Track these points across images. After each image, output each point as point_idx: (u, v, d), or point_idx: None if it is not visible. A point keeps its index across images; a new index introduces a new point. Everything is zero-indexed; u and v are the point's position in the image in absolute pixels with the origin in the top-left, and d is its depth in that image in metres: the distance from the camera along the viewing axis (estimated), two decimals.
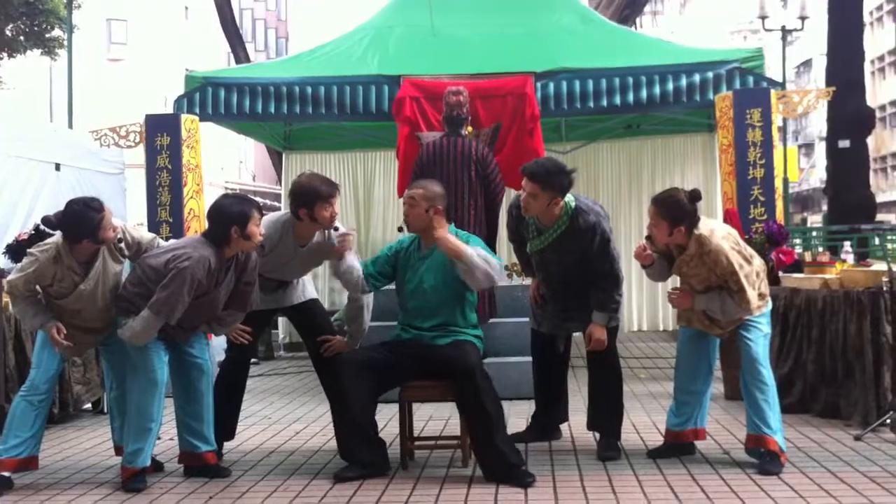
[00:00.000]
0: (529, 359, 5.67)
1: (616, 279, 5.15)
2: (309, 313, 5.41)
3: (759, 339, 4.87)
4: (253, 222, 4.76)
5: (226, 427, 5.31)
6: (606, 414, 5.32)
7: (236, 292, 4.93)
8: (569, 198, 5.06)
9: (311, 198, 5.04)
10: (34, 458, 4.92)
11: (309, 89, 8.18)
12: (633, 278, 11.02)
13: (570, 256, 5.11)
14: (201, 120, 8.20)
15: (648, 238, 4.93)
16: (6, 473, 4.82)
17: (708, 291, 4.84)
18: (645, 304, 11.23)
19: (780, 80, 15.86)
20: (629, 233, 10.75)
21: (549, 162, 5.15)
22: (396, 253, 5.10)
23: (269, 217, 5.14)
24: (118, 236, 4.83)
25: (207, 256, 4.70)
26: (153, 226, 7.67)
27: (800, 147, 46.77)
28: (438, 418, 6.26)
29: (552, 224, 5.08)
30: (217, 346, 9.42)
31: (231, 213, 4.74)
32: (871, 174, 17.12)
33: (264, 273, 5.16)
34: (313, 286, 5.61)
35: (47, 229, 4.94)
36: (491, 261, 4.84)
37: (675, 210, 4.72)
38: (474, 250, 4.81)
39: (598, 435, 5.37)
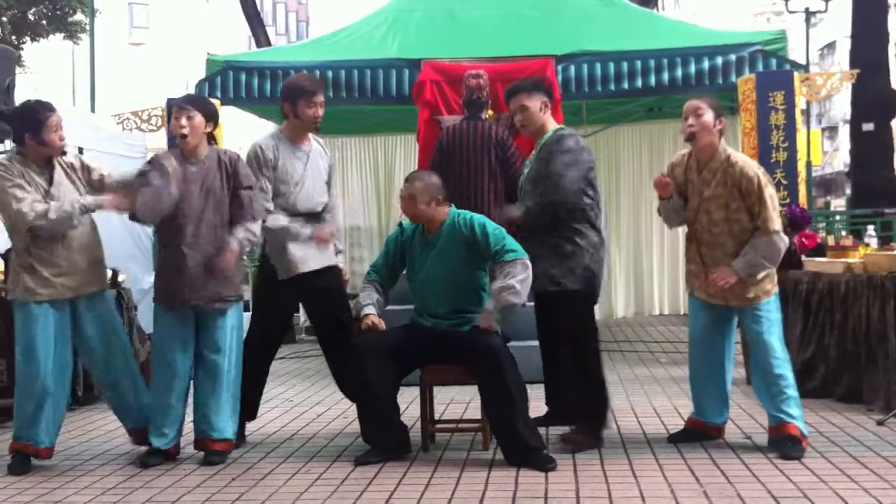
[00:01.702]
0: (530, 343, 5.59)
1: (553, 204, 4.87)
2: (327, 293, 5.31)
3: (772, 328, 4.83)
4: (173, 118, 4.93)
5: (247, 407, 5.30)
6: (579, 399, 5.01)
7: (239, 199, 4.94)
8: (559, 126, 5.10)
9: (295, 93, 5.12)
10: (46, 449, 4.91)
11: (329, 73, 8.19)
12: (655, 262, 11.01)
13: (542, 168, 4.98)
14: (222, 104, 8.19)
15: (671, 168, 4.97)
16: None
17: (726, 225, 4.75)
18: (666, 287, 11.20)
19: (803, 62, 15.73)
20: (649, 217, 10.71)
21: (525, 77, 5.25)
22: (401, 244, 5.09)
23: (261, 135, 5.32)
24: (66, 152, 4.88)
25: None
26: None
27: (823, 130, 46.41)
28: (459, 401, 6.28)
29: (541, 138, 5.07)
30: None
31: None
32: None
33: (295, 209, 5.17)
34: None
35: None
36: (517, 276, 4.74)
37: (717, 103, 4.84)
38: (496, 297, 4.76)
39: (615, 421, 5.32)
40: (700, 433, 5.06)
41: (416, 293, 5.09)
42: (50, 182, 4.85)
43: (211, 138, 5.06)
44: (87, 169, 5.02)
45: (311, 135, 5.35)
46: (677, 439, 5.07)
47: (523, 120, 5.07)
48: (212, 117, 5.01)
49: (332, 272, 5.37)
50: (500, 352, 4.74)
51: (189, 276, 4.85)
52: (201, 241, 4.88)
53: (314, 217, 5.26)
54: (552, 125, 5.11)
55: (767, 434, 4.92)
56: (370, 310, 4.95)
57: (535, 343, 5.41)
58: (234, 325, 5.03)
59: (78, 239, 4.90)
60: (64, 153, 4.92)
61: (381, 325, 4.90)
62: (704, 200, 4.84)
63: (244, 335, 5.15)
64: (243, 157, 5.15)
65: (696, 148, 4.85)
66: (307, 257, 5.20)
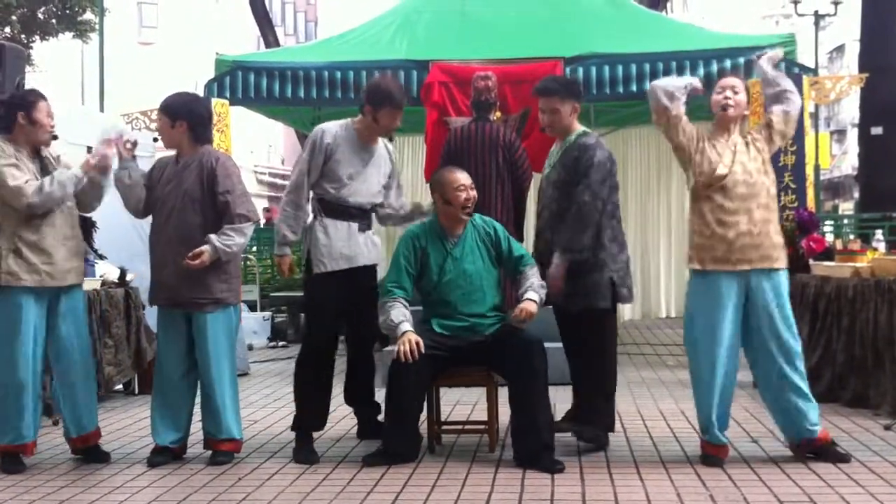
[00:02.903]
0: (555, 344, 5.60)
1: (587, 218, 4.84)
2: (363, 292, 5.17)
3: (788, 303, 4.73)
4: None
5: (314, 415, 5.19)
6: (593, 406, 5.05)
7: (217, 205, 4.89)
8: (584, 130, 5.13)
9: (382, 99, 5.04)
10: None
11: (338, 74, 8.21)
12: (662, 265, 11.00)
13: (563, 174, 5.01)
14: (231, 104, 8.24)
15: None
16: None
17: (760, 176, 4.68)
18: (674, 289, 11.19)
19: (812, 65, 15.71)
20: (656, 220, 10.70)
21: (556, 77, 5.27)
22: (421, 250, 4.99)
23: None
24: (56, 136, 4.94)
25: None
26: None
27: (832, 133, 46.37)
28: (466, 403, 6.28)
29: (566, 139, 5.09)
30: (247, 328, 9.50)
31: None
32: None
33: (345, 202, 5.06)
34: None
35: None
36: (540, 280, 4.95)
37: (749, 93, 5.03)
38: (537, 291, 4.88)
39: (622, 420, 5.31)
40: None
41: (445, 297, 4.97)
42: (41, 171, 4.87)
43: (200, 138, 5.00)
44: (65, 167, 5.05)
45: (381, 139, 5.30)
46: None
47: (552, 122, 5.07)
48: (178, 116, 4.94)
49: (373, 269, 5.25)
50: (536, 346, 4.80)
51: (164, 276, 4.89)
52: (175, 241, 4.87)
53: (363, 213, 5.18)
54: (577, 128, 5.11)
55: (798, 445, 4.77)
56: (408, 326, 4.79)
57: (554, 345, 5.44)
58: (219, 328, 4.95)
59: (63, 228, 4.89)
60: (54, 138, 4.94)
61: (423, 345, 4.72)
62: (738, 153, 4.70)
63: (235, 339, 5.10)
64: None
65: (725, 121, 4.76)
66: (351, 255, 5.07)
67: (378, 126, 5.12)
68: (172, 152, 5.10)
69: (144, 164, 8.45)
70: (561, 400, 5.64)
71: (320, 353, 5.13)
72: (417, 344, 4.70)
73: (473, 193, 5.01)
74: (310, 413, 5.12)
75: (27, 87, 6.24)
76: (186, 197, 4.89)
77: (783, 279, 4.74)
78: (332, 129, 5.14)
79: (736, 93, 4.76)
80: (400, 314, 4.84)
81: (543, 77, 7.58)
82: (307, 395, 5.12)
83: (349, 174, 5.08)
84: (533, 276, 4.95)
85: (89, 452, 5.03)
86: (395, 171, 5.44)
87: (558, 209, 5.01)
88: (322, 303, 5.10)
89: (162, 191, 4.95)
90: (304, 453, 4.98)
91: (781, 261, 4.73)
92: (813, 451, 4.71)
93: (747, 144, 4.76)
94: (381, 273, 5.29)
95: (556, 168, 5.08)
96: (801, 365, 4.72)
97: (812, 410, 4.70)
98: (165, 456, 4.93)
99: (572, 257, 4.87)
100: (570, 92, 5.12)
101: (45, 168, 4.91)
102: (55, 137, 4.95)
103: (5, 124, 4.87)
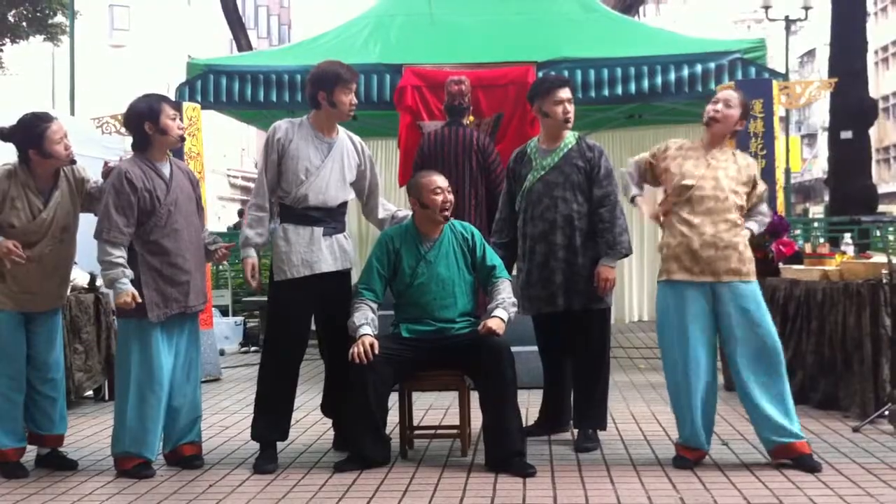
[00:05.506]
0: (529, 348, 5.63)
1: (619, 206, 5.21)
2: (334, 297, 5.00)
3: (766, 311, 4.72)
4: (165, 115, 4.78)
5: (279, 426, 5.05)
6: (599, 405, 5.25)
7: (200, 212, 5.06)
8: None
9: (332, 81, 4.91)
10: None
11: None
12: (634, 269, 11.04)
13: (574, 175, 5.20)
14: (203, 107, 8.20)
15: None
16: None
17: (733, 196, 4.70)
18: (645, 293, 11.24)
19: (783, 70, 15.81)
20: (629, 223, 10.69)
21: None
22: (394, 253, 4.99)
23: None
24: (75, 161, 4.84)
25: (129, 167, 4.76)
26: None
27: (802, 137, 46.74)
28: (438, 407, 6.28)
29: (561, 143, 5.30)
30: (219, 334, 9.45)
31: (139, 110, 4.80)
32: (874, 165, 17.11)
33: (305, 202, 4.90)
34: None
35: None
36: (511, 294, 4.99)
37: (748, 105, 4.91)
38: (507, 308, 4.90)
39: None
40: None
41: (416, 300, 4.96)
42: (47, 202, 4.79)
43: None
44: (84, 181, 4.98)
45: (345, 131, 5.12)
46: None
47: (571, 113, 5.32)
48: None
49: (345, 276, 5.09)
50: (505, 352, 4.79)
51: (197, 280, 4.88)
52: (196, 246, 4.91)
53: (329, 213, 4.98)
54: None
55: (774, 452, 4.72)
56: (366, 330, 4.79)
57: (528, 348, 5.46)
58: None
59: (53, 260, 4.86)
60: (73, 162, 4.86)
61: (377, 347, 4.73)
62: (711, 168, 4.72)
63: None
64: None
65: (708, 133, 4.80)
66: (312, 261, 4.90)
67: (337, 110, 4.93)
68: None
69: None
70: (534, 403, 5.66)
71: (279, 362, 4.97)
72: (371, 346, 4.71)
73: (451, 197, 5.00)
74: (264, 424, 4.98)
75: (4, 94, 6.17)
76: (192, 203, 4.94)
77: (755, 288, 4.72)
78: (283, 125, 4.98)
79: (728, 106, 4.77)
80: (362, 317, 4.85)
81: (516, 79, 7.70)
82: (263, 404, 5.00)
83: (306, 169, 4.88)
84: (504, 292, 4.94)
85: (52, 458, 4.98)
86: (372, 174, 5.26)
87: (570, 211, 5.15)
88: (282, 311, 4.98)
89: (164, 199, 4.78)
90: (261, 462, 4.87)
91: (752, 275, 4.72)
92: (788, 459, 4.64)
93: (735, 163, 4.77)
94: (355, 277, 5.26)
95: (557, 171, 5.21)
96: (780, 371, 4.65)
97: (787, 418, 4.62)
98: (151, 468, 4.81)
99: (623, 256, 5.21)
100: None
101: (51, 199, 4.79)
102: (73, 161, 4.86)
103: (20, 155, 4.79)
